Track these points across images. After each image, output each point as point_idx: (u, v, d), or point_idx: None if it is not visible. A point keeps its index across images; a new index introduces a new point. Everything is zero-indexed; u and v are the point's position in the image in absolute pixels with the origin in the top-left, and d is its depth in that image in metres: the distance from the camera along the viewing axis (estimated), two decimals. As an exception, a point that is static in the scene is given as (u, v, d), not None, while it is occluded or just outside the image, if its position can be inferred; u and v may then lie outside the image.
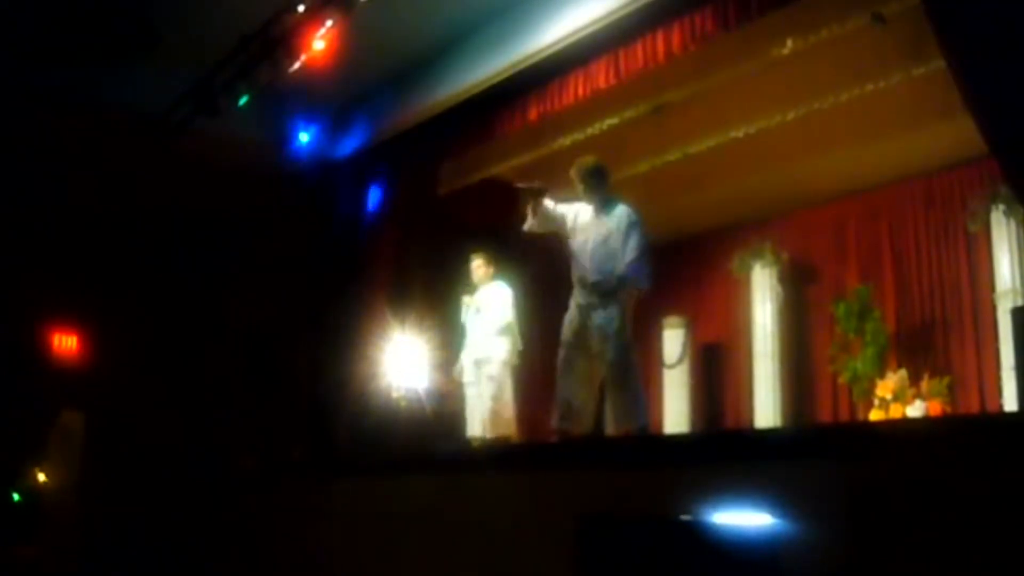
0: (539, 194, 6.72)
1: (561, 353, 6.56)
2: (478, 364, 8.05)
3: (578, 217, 6.68)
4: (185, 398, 10.64)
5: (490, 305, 8.09)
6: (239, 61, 8.03)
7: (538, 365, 10.63)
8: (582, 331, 6.47)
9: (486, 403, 7.96)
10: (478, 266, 8.25)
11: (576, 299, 6.57)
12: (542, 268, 9.24)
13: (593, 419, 6.58)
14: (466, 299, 8.21)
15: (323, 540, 7.24)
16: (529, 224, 6.83)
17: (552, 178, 7.03)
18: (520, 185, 6.86)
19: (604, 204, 6.62)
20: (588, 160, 6.75)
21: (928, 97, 7.27)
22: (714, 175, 9.51)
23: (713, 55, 7.53)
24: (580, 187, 6.65)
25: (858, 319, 9.32)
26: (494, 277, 8.26)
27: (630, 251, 6.37)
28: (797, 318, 10.24)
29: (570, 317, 6.58)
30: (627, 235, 6.41)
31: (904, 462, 3.85)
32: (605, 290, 6.38)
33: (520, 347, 8.10)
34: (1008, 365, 7.94)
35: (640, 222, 6.48)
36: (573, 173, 6.67)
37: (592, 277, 6.45)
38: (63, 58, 8.74)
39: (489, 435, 7.89)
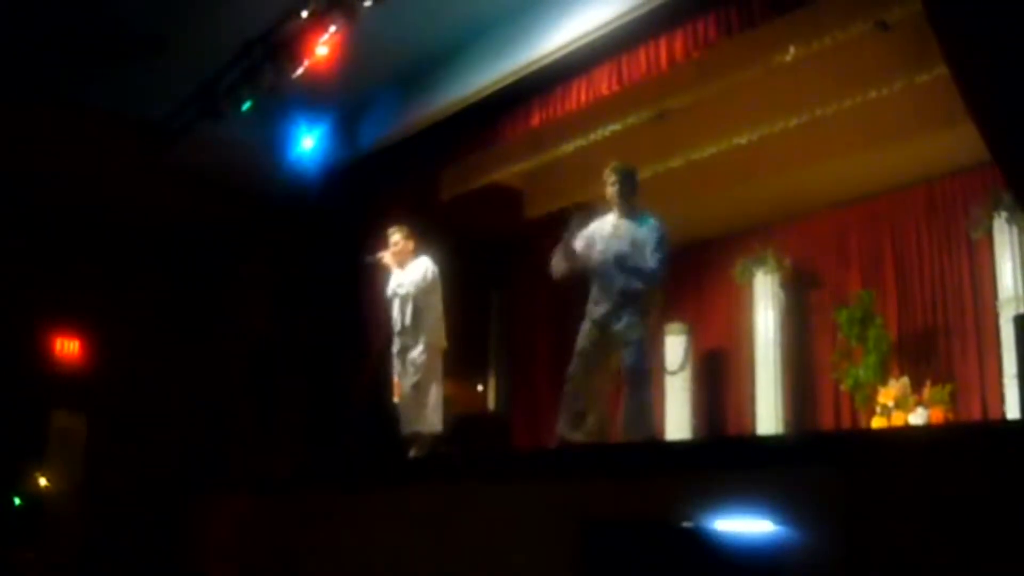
0: (581, 220, 6.61)
1: (575, 362, 6.48)
2: (404, 351, 7.73)
3: (596, 233, 6.62)
4: (187, 401, 10.64)
5: (415, 284, 7.72)
6: (243, 66, 8.04)
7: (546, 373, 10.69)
8: (600, 342, 6.42)
9: (407, 393, 7.60)
10: (397, 242, 7.83)
11: (594, 311, 6.49)
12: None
13: (604, 430, 6.53)
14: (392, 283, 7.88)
15: (324, 546, 7.24)
16: (562, 267, 6.67)
17: (556, 184, 7.02)
18: (573, 217, 6.63)
19: (630, 212, 6.56)
20: (626, 164, 6.70)
21: (931, 104, 7.29)
22: (716, 182, 9.50)
23: (716, 62, 7.54)
24: (614, 189, 6.57)
25: (860, 326, 9.31)
26: (416, 253, 7.89)
27: (654, 261, 6.35)
28: (799, 325, 10.23)
29: (587, 328, 6.50)
30: (655, 247, 6.38)
31: (906, 470, 3.84)
32: (630, 297, 6.33)
33: (444, 345, 7.75)
34: (1010, 373, 7.92)
35: (667, 236, 6.45)
36: (609, 175, 6.60)
37: (618, 285, 6.39)
38: (67, 61, 8.75)
39: (410, 429, 7.57)
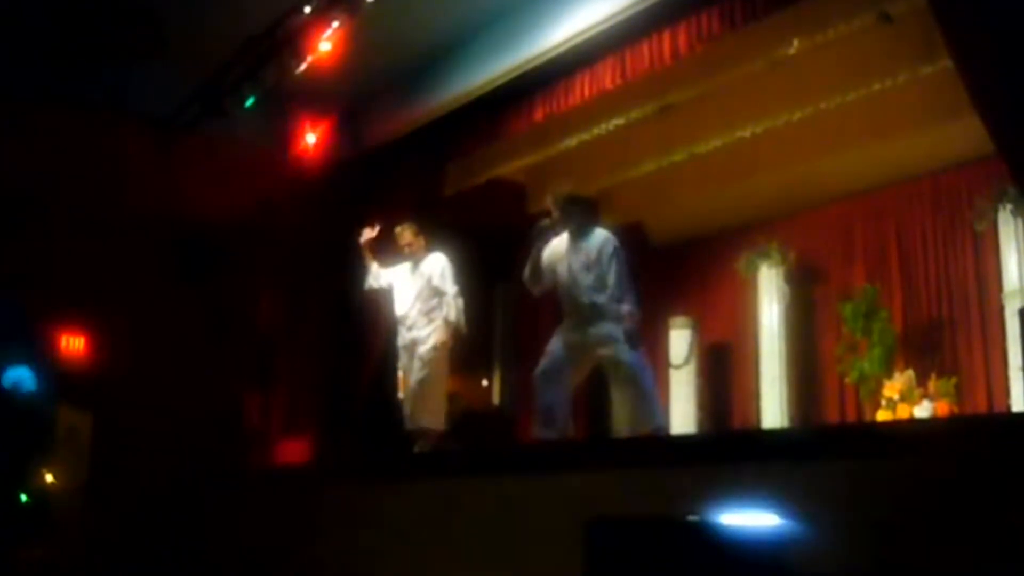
0: (550, 231, 6.60)
1: (544, 363, 6.52)
2: (412, 346, 7.75)
3: (555, 251, 6.63)
4: (193, 398, 10.64)
5: (427, 279, 7.77)
6: (246, 63, 8.04)
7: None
8: (575, 345, 6.44)
9: (413, 388, 7.64)
10: (407, 239, 7.89)
11: (566, 325, 6.53)
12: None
13: (571, 425, 6.57)
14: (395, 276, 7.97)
15: (331, 544, 7.25)
16: (531, 283, 6.70)
17: (560, 178, 7.02)
18: (542, 224, 6.62)
19: (581, 231, 6.57)
20: (568, 193, 6.67)
21: (935, 96, 7.28)
22: (720, 175, 9.51)
23: (719, 55, 7.54)
24: (558, 216, 6.56)
25: (865, 319, 9.31)
26: (428, 248, 7.94)
27: (612, 281, 6.34)
28: (804, 318, 10.23)
29: (560, 335, 6.53)
30: (609, 264, 6.38)
31: (911, 463, 3.84)
32: (599, 311, 6.34)
33: (463, 328, 7.78)
34: (1016, 365, 7.95)
35: (619, 249, 6.44)
36: (552, 204, 6.61)
37: (584, 300, 6.40)
38: (69, 59, 8.75)
39: (412, 426, 7.61)
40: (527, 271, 6.67)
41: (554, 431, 6.42)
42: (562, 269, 6.56)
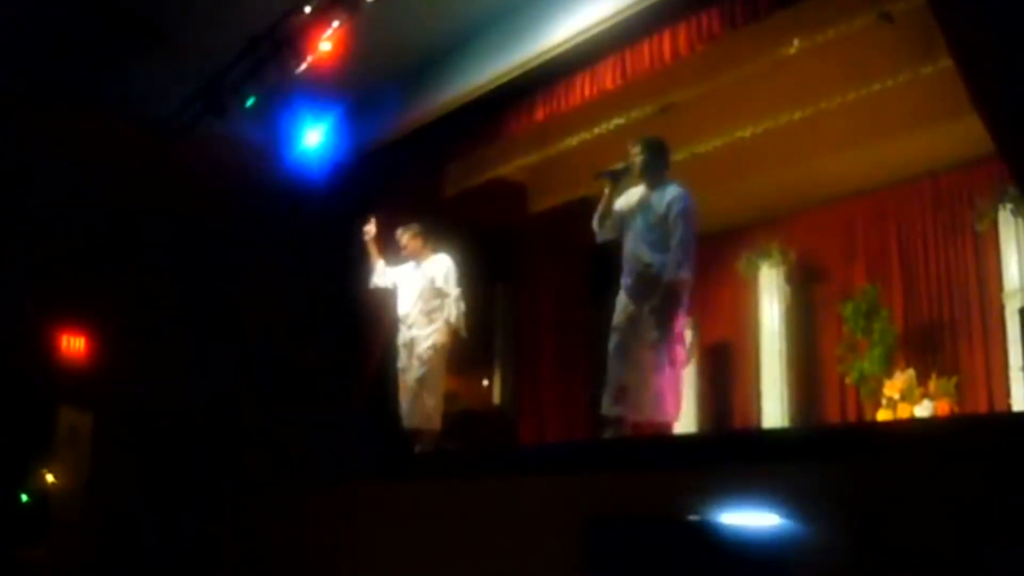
0: (622, 176, 6.42)
1: (613, 338, 6.33)
2: (411, 344, 7.79)
3: (627, 202, 6.47)
4: (194, 398, 10.65)
5: (430, 280, 7.81)
6: (247, 62, 8.04)
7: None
8: (634, 316, 6.28)
9: (410, 387, 7.67)
10: (407, 242, 7.92)
11: (624, 285, 6.37)
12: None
13: (645, 404, 6.29)
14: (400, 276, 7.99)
15: (331, 544, 7.25)
16: (599, 227, 6.53)
17: (561, 178, 7.01)
18: (613, 167, 6.45)
19: (657, 184, 6.40)
20: (653, 136, 6.55)
21: (936, 96, 7.27)
22: (721, 175, 9.48)
23: (720, 55, 7.53)
24: (639, 161, 6.40)
25: (866, 319, 9.31)
26: (434, 250, 7.97)
27: (675, 242, 6.17)
28: (804, 318, 10.22)
29: (623, 302, 6.35)
30: (675, 223, 6.20)
31: (912, 462, 3.84)
32: (655, 272, 6.19)
33: (463, 331, 7.79)
34: (1016, 365, 7.94)
35: (689, 209, 6.26)
36: (634, 146, 6.45)
37: (645, 259, 6.25)
38: (70, 58, 8.75)
39: (408, 425, 7.64)
40: (598, 214, 6.48)
41: (625, 409, 6.21)
42: (630, 220, 6.40)
